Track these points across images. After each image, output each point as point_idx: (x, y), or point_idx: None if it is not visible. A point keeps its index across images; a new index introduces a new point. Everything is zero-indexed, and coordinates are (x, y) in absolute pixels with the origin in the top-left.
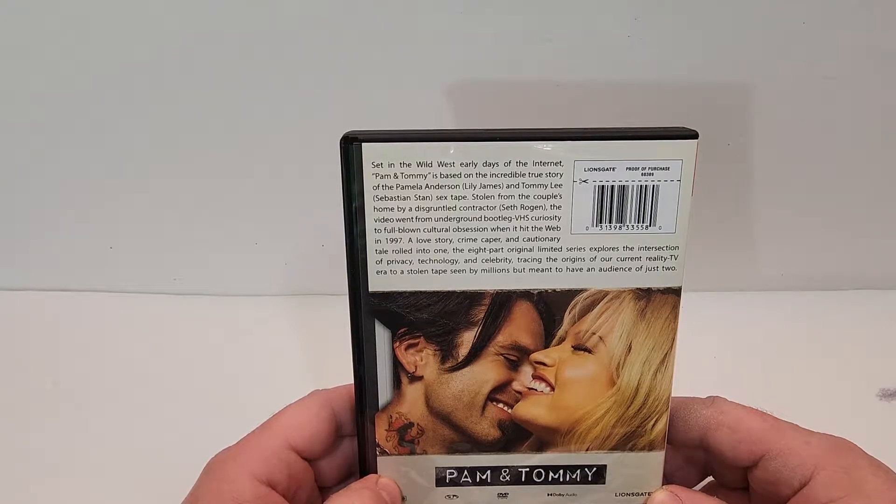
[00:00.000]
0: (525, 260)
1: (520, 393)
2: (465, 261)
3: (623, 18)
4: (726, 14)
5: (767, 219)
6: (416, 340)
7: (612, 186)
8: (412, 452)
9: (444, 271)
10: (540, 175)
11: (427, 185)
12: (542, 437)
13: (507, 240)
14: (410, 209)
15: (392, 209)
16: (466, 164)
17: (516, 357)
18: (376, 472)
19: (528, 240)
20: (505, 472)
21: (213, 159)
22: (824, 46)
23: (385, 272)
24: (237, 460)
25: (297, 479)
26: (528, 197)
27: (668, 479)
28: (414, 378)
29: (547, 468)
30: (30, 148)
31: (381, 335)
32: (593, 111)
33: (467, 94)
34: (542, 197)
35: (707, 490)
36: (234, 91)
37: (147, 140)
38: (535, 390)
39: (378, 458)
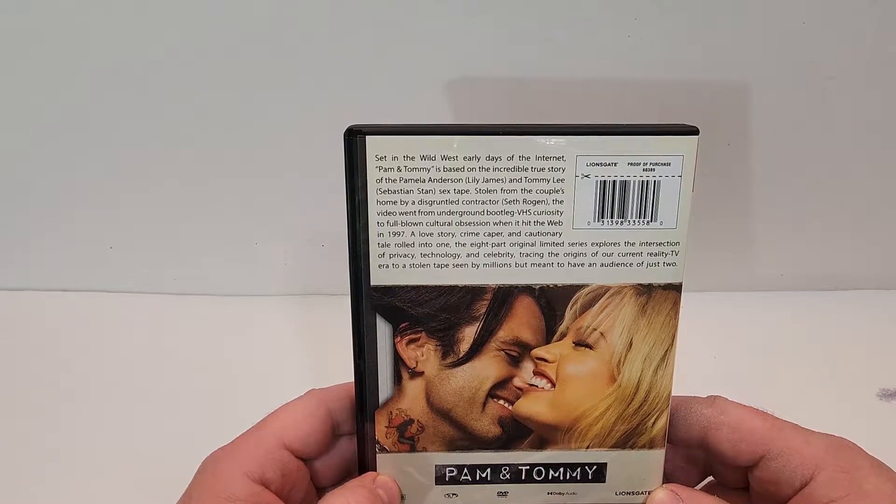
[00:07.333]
0: (527, 254)
1: (521, 389)
2: (468, 255)
3: (623, 18)
4: (726, 14)
5: (767, 219)
6: (418, 335)
7: (614, 181)
8: (412, 450)
9: (447, 265)
10: (542, 170)
11: (430, 179)
12: (542, 435)
13: (510, 234)
14: (413, 203)
15: (395, 202)
16: (469, 158)
17: (517, 352)
18: (375, 470)
19: (530, 234)
20: (505, 470)
21: (214, 159)
22: (824, 46)
23: (387, 266)
24: (230, 459)
25: (291, 478)
26: (530, 191)
27: (668, 479)
28: (415, 374)
29: (547, 466)
30: (30, 148)
31: (383, 330)
32: (593, 112)
33: (467, 95)
34: (544, 191)
35: (707, 490)
36: (234, 91)
37: (147, 140)
38: (536, 387)
39: (377, 455)
